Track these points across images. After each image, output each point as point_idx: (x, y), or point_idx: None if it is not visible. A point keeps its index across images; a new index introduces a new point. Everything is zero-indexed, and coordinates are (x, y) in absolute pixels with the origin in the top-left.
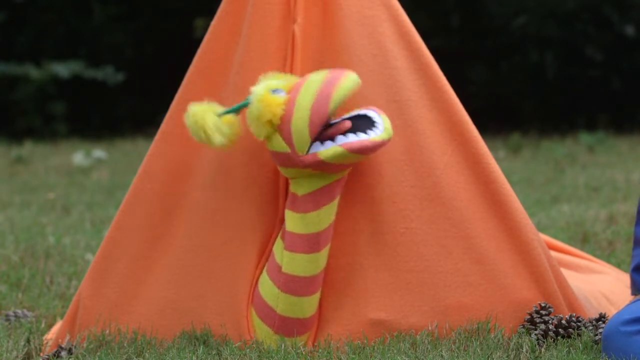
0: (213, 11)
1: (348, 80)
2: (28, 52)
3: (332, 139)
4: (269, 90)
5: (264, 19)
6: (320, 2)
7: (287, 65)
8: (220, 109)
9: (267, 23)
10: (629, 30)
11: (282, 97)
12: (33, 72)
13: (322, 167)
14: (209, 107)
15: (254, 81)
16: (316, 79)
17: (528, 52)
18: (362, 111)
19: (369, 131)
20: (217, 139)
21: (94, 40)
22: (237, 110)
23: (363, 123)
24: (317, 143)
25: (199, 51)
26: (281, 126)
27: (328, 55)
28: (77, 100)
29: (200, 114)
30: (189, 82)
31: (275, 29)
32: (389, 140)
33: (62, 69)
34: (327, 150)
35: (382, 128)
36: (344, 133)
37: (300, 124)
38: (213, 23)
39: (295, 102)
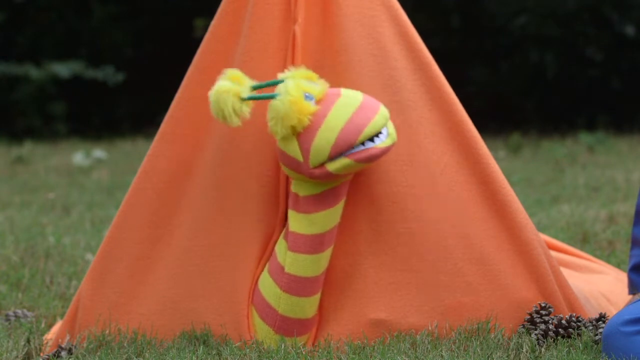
0: (213, 11)
1: (381, 117)
2: (28, 52)
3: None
4: (303, 93)
5: (264, 19)
6: (321, 2)
7: (287, 66)
8: (247, 88)
9: (267, 23)
10: (629, 30)
11: (312, 106)
12: (33, 72)
13: (329, 177)
14: (235, 87)
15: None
16: (351, 103)
17: (528, 52)
18: None
19: (375, 139)
20: (235, 122)
21: (94, 40)
22: (262, 99)
23: None
24: None
25: (199, 51)
26: (302, 136)
27: (328, 55)
28: (77, 100)
29: (224, 96)
30: (189, 82)
31: (276, 29)
32: (393, 145)
33: (62, 69)
34: (334, 162)
35: (386, 134)
36: None
37: (324, 143)
38: (213, 23)
39: (324, 119)
